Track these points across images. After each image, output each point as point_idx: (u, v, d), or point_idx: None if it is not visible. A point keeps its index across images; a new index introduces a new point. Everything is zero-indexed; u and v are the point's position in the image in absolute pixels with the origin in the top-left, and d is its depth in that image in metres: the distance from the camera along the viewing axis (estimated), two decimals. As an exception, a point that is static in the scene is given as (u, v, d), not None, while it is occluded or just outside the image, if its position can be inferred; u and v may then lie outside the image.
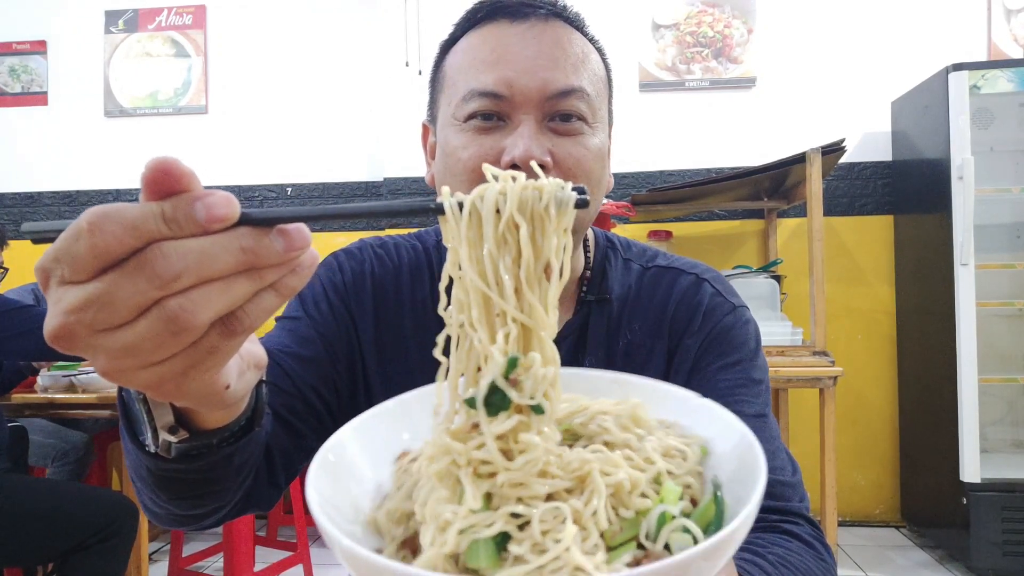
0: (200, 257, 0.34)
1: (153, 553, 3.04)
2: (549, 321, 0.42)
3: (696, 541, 0.37)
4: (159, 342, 0.35)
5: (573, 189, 0.42)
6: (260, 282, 0.37)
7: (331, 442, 0.48)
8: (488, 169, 0.44)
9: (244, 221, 0.36)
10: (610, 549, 0.38)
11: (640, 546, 0.38)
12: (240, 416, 0.52)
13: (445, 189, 0.44)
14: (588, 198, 0.42)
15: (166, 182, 0.35)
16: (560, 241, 0.42)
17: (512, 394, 0.40)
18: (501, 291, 0.41)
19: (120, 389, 0.53)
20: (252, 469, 0.65)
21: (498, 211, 0.41)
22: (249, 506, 0.71)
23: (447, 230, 0.42)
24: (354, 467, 0.48)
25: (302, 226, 0.37)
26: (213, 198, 0.35)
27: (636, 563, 0.37)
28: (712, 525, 0.39)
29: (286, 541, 2.80)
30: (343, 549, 0.36)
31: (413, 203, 0.40)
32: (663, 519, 0.38)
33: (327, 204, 3.86)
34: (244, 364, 0.46)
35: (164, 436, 0.50)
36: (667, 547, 0.38)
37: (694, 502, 0.42)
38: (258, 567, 2.48)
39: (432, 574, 0.33)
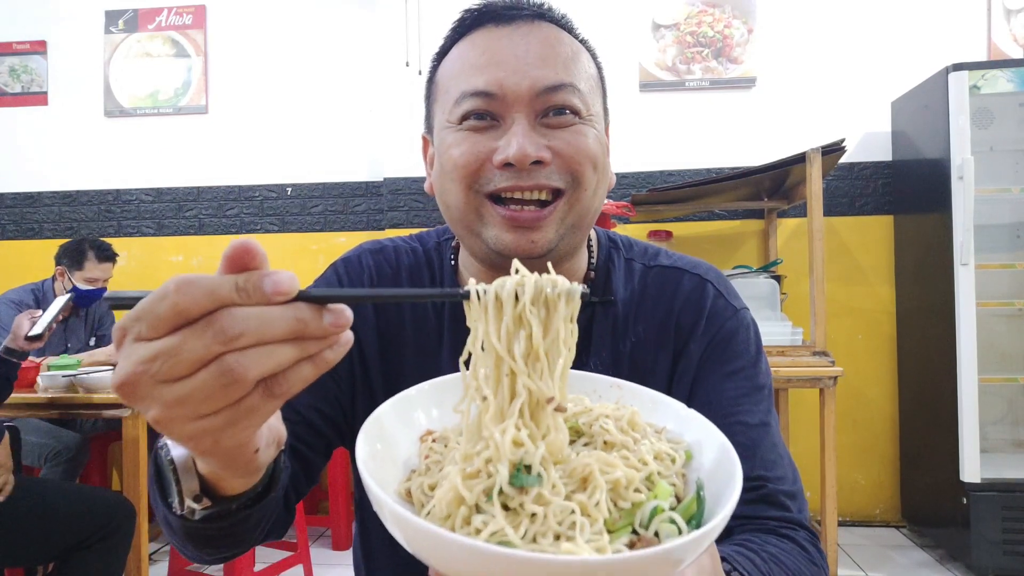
0: (260, 322, 0.40)
1: (153, 553, 3.04)
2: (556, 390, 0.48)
3: (680, 531, 0.45)
4: (210, 394, 0.40)
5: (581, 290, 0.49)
6: (303, 351, 0.42)
7: (374, 415, 0.53)
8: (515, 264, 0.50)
9: (300, 297, 0.42)
10: (610, 532, 0.45)
11: (635, 531, 0.45)
12: (257, 483, 0.57)
13: (471, 280, 0.50)
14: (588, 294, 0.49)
15: (244, 258, 0.41)
16: (567, 328, 0.48)
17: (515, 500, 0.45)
18: (513, 359, 0.47)
19: (153, 456, 0.58)
20: (271, 520, 0.70)
21: (517, 297, 0.48)
22: (268, 536, 0.76)
23: (471, 313, 0.49)
24: (391, 438, 0.54)
25: (346, 308, 0.43)
26: (279, 275, 0.41)
27: (632, 545, 0.44)
28: (694, 518, 0.47)
29: (286, 541, 2.79)
30: (393, 514, 0.42)
31: (445, 291, 0.49)
32: (655, 511, 0.46)
33: (331, 203, 3.83)
34: (270, 437, 0.52)
35: (189, 503, 0.55)
36: (656, 534, 0.45)
37: (678, 498, 0.50)
38: (258, 567, 2.47)
39: (468, 541, 0.39)
